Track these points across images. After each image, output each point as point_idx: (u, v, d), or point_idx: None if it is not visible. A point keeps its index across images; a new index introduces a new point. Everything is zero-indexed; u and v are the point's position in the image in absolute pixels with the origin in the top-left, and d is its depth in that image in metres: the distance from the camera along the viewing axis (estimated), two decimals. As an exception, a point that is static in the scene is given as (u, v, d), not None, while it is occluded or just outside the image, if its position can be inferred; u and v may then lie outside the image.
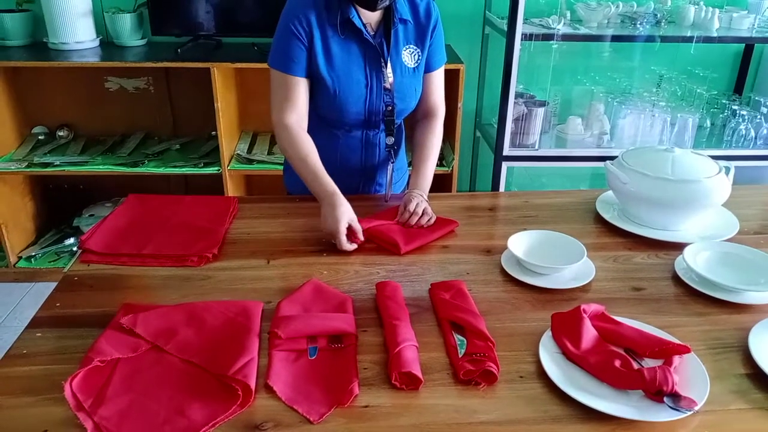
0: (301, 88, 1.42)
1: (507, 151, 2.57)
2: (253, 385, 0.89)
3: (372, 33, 1.42)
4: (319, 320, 1.03)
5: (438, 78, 1.56)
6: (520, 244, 1.26)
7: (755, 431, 0.85)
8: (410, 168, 1.54)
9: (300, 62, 1.40)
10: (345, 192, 1.54)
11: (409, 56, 1.47)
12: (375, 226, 1.34)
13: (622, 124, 2.65)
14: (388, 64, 1.44)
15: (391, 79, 1.44)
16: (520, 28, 2.36)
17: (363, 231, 1.31)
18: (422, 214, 1.37)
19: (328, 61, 1.40)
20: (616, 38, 2.59)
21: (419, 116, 1.58)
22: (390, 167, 1.56)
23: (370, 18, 1.42)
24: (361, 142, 1.52)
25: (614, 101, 2.69)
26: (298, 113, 1.44)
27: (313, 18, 1.38)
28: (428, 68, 1.52)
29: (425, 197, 1.44)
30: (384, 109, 1.47)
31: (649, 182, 1.36)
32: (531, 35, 2.40)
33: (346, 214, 1.30)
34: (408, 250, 1.30)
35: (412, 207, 1.37)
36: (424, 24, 1.47)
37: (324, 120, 1.48)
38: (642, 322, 1.04)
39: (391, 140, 1.53)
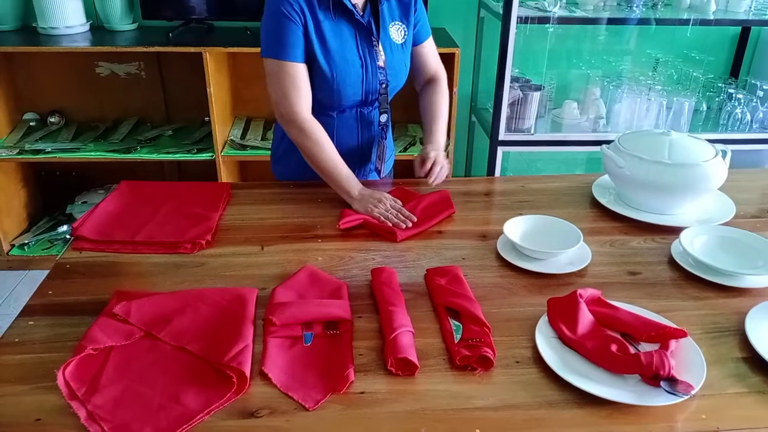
0: (304, 75, 1.40)
1: (502, 135, 2.55)
2: (248, 372, 0.89)
3: (360, 13, 1.42)
4: (314, 307, 1.03)
5: (430, 47, 1.60)
6: (515, 229, 1.25)
7: (752, 415, 0.85)
8: (397, 142, 1.54)
9: (298, 47, 1.37)
10: None
11: (396, 32, 1.48)
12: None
13: (618, 108, 2.64)
14: (379, 43, 1.44)
15: (383, 57, 1.45)
16: (515, 11, 2.34)
17: (359, 220, 1.33)
18: (436, 163, 1.44)
19: (324, 46, 1.39)
20: (612, 21, 2.57)
21: (423, 83, 1.63)
22: (382, 143, 1.58)
23: None
24: (357, 120, 1.52)
25: (610, 85, 2.68)
26: (308, 102, 1.42)
27: (303, 2, 1.36)
28: (419, 40, 1.56)
29: (439, 153, 1.48)
30: (379, 87, 1.47)
31: (646, 166, 1.35)
32: (527, 18, 2.38)
33: (381, 193, 1.37)
34: (404, 237, 1.29)
35: (432, 156, 1.43)
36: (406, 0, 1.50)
37: (319, 104, 1.47)
38: (638, 307, 1.04)
39: (384, 117, 1.54)
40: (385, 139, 1.59)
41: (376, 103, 1.51)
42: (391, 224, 1.31)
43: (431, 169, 1.43)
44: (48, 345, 0.96)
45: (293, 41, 1.36)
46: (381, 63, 1.45)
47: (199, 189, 1.48)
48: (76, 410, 0.83)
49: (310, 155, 1.43)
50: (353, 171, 1.43)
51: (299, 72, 1.39)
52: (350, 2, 1.39)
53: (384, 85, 1.48)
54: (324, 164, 1.42)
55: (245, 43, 2.47)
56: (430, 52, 1.60)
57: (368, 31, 1.43)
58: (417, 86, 1.63)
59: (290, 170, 1.58)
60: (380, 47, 1.44)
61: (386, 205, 1.35)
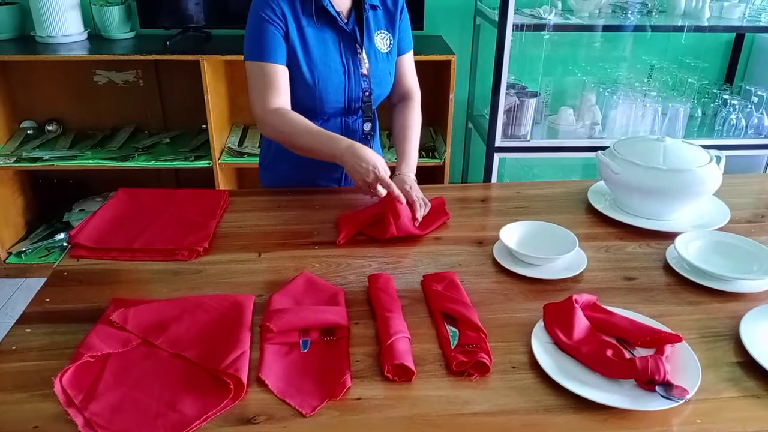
0: (282, 76, 1.40)
1: (499, 142, 2.57)
2: (245, 379, 0.89)
3: (345, 20, 1.43)
4: (311, 313, 1.03)
5: (409, 61, 1.59)
6: (512, 234, 1.26)
7: (747, 419, 0.85)
8: (387, 150, 1.54)
9: (278, 50, 1.38)
10: (328, 184, 1.54)
11: (381, 41, 1.49)
12: (367, 217, 1.34)
13: (613, 115, 2.66)
14: (363, 50, 1.44)
15: (367, 65, 1.45)
16: (511, 19, 2.36)
17: (356, 229, 1.31)
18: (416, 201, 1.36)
19: (306, 51, 1.40)
20: (607, 28, 2.59)
21: (396, 100, 1.62)
22: None
23: (342, 6, 1.43)
24: (341, 129, 1.52)
25: (606, 91, 2.69)
26: (282, 99, 1.41)
27: (286, 8, 1.37)
28: (399, 52, 1.55)
29: (414, 178, 1.45)
30: (362, 95, 1.48)
31: (641, 172, 1.36)
32: (522, 26, 2.40)
33: (377, 155, 1.30)
34: (394, 235, 1.28)
35: (414, 197, 1.35)
36: (392, 9, 1.50)
37: (302, 111, 1.46)
38: (634, 312, 1.04)
39: (368, 126, 1.54)
40: (372, 147, 1.57)
41: (360, 112, 1.51)
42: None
43: (413, 207, 1.35)
44: (45, 353, 0.96)
45: (274, 44, 1.38)
46: (364, 71, 1.45)
47: (196, 196, 1.48)
48: (74, 417, 0.83)
49: (288, 140, 1.41)
50: (338, 179, 1.43)
51: (278, 73, 1.39)
52: (334, 9, 1.40)
53: (367, 93, 1.48)
54: (302, 141, 1.38)
55: (242, 51, 2.47)
56: (407, 66, 1.59)
57: (352, 39, 1.43)
58: (389, 99, 1.61)
59: (278, 178, 1.59)
60: (364, 55, 1.45)
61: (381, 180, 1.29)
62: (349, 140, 1.34)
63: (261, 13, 1.37)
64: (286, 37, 1.38)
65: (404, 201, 1.29)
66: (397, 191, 1.28)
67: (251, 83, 1.42)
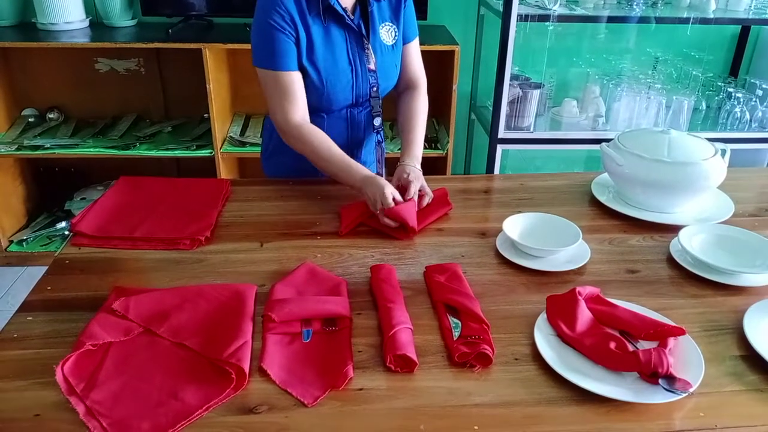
0: (297, 83, 1.39)
1: (502, 133, 2.56)
2: (246, 369, 0.88)
3: (350, 16, 1.41)
4: (313, 303, 1.03)
5: (414, 49, 1.57)
6: (515, 226, 1.25)
7: (750, 413, 0.85)
8: (390, 141, 1.54)
9: (290, 56, 1.36)
10: None
11: (386, 34, 1.47)
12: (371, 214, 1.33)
13: (617, 107, 2.64)
14: (370, 45, 1.43)
15: (374, 60, 1.44)
16: (515, 9, 2.34)
17: (358, 221, 1.32)
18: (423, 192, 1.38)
19: (314, 53, 1.38)
20: (612, 19, 2.57)
21: (402, 88, 1.60)
22: (380, 148, 1.57)
23: (347, 1, 1.40)
24: (347, 121, 1.51)
25: (610, 83, 2.68)
26: (301, 108, 1.41)
27: (293, 9, 1.34)
28: (404, 40, 1.53)
29: (419, 168, 1.44)
30: (369, 90, 1.47)
31: (645, 164, 1.35)
32: (527, 16, 2.38)
33: (389, 186, 1.30)
34: (409, 237, 1.28)
35: (416, 187, 1.35)
36: (394, 0, 1.48)
37: (309, 109, 1.45)
38: (637, 305, 1.04)
39: (378, 121, 1.53)
40: (383, 142, 1.58)
41: (367, 104, 1.51)
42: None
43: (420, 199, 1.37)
44: (46, 341, 0.96)
45: (285, 51, 1.36)
46: (372, 66, 1.44)
47: (198, 185, 1.48)
48: (75, 406, 0.83)
49: (309, 159, 1.42)
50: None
51: (293, 80, 1.38)
52: (340, 6, 1.38)
53: (374, 88, 1.47)
54: (322, 165, 1.40)
55: (245, 40, 2.47)
56: (413, 54, 1.57)
57: (359, 35, 1.42)
58: (395, 88, 1.59)
59: (281, 168, 1.58)
60: (370, 50, 1.43)
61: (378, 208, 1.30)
62: (365, 173, 1.35)
63: (269, 20, 1.34)
64: (297, 41, 1.36)
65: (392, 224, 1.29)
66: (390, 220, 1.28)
67: (267, 91, 1.41)
